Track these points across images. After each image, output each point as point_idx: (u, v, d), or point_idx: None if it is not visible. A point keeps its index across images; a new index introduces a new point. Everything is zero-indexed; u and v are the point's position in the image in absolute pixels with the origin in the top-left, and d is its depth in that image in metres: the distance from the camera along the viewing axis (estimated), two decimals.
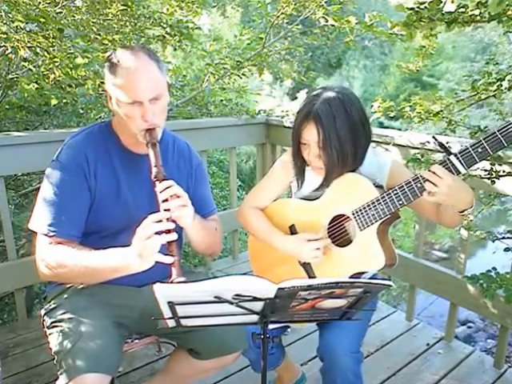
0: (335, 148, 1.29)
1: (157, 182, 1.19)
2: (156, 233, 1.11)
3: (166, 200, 1.17)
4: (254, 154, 7.22)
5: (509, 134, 1.07)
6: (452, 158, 1.15)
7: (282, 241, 1.44)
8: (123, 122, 1.27)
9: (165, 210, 1.16)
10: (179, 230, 1.32)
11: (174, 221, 1.17)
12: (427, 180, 1.17)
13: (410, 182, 1.23)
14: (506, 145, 1.08)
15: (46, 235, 1.25)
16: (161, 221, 1.12)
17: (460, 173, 1.16)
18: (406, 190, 1.24)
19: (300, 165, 1.45)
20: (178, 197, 1.20)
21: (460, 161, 1.14)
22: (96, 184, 1.31)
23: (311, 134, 1.32)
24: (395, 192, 1.25)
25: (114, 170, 1.34)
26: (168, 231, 1.12)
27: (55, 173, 1.28)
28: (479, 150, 1.11)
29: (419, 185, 1.21)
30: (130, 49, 1.27)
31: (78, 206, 1.29)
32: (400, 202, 1.25)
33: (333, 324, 1.37)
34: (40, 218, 1.27)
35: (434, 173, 1.15)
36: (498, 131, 1.08)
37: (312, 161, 1.38)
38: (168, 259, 1.11)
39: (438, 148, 1.20)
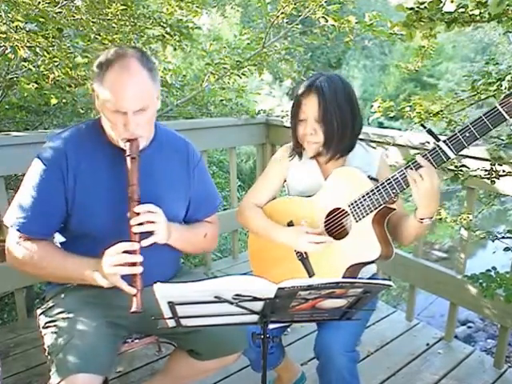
0: (336, 117, 1.37)
1: (131, 205, 1.19)
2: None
3: (140, 224, 1.18)
4: (254, 154, 7.21)
5: (494, 117, 1.12)
6: (441, 144, 1.20)
7: (282, 232, 1.46)
8: (106, 124, 1.26)
9: (135, 234, 1.17)
10: None
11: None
12: (420, 167, 1.21)
13: (402, 171, 1.26)
14: (491, 128, 1.13)
15: (15, 229, 1.26)
16: (129, 251, 1.15)
17: (449, 158, 1.20)
18: (399, 178, 1.27)
19: (297, 145, 1.50)
20: (152, 222, 1.21)
21: (449, 146, 1.19)
22: (75, 183, 1.27)
23: (312, 106, 1.38)
24: (388, 181, 1.29)
25: (99, 167, 1.30)
26: (134, 263, 1.14)
27: (33, 169, 1.28)
28: (467, 134, 1.16)
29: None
30: (122, 52, 1.21)
31: (48, 204, 1.27)
32: (394, 191, 1.28)
33: (329, 323, 1.38)
34: (11, 210, 1.28)
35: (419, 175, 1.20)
36: (484, 115, 1.13)
37: (308, 135, 1.42)
38: (131, 290, 1.14)
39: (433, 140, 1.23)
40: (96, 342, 1.18)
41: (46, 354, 1.23)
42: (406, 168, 1.26)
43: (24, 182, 1.29)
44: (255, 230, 1.56)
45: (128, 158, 1.22)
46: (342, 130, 1.39)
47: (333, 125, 1.38)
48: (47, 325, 1.29)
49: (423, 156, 1.22)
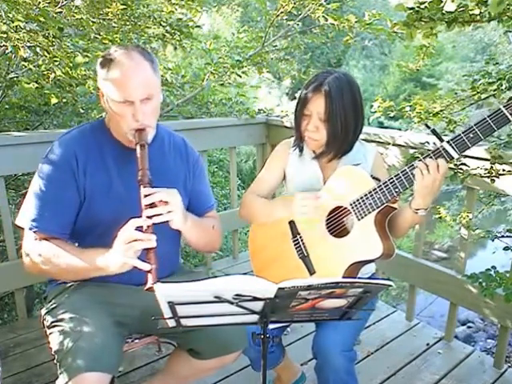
0: (340, 119, 1.38)
1: (141, 186, 1.20)
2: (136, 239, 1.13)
3: (150, 205, 1.18)
4: (254, 154, 7.21)
5: (498, 119, 1.13)
6: (445, 144, 1.21)
7: (279, 206, 1.50)
8: (114, 119, 1.29)
9: (147, 217, 1.16)
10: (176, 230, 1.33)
11: (164, 222, 1.19)
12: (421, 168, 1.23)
13: (405, 170, 1.28)
14: (495, 129, 1.15)
15: (30, 230, 1.26)
16: (141, 227, 1.14)
17: (453, 158, 1.22)
18: (402, 177, 1.28)
19: (299, 138, 1.51)
20: (165, 202, 1.20)
21: (452, 146, 1.20)
22: (85, 181, 1.31)
23: (318, 106, 1.39)
24: (391, 180, 1.30)
25: (105, 165, 1.34)
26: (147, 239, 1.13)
27: (43, 169, 1.30)
28: (471, 135, 1.17)
29: (414, 172, 1.26)
30: (123, 48, 1.27)
31: (62, 202, 1.29)
32: (396, 190, 1.29)
33: (327, 323, 1.38)
34: (25, 213, 1.29)
35: (427, 165, 1.22)
36: (489, 117, 1.14)
37: (309, 131, 1.43)
38: (145, 266, 1.13)
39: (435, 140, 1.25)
40: (104, 341, 1.18)
41: (53, 352, 1.23)
42: (409, 168, 1.27)
43: (35, 184, 1.30)
44: (257, 215, 1.57)
45: (138, 146, 1.25)
46: (346, 132, 1.41)
47: (337, 126, 1.39)
48: (53, 324, 1.28)
49: (425, 156, 1.23)
